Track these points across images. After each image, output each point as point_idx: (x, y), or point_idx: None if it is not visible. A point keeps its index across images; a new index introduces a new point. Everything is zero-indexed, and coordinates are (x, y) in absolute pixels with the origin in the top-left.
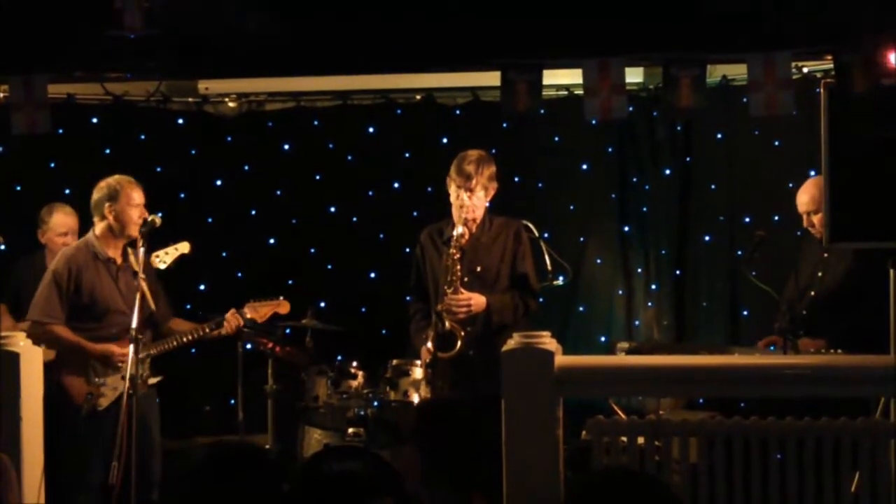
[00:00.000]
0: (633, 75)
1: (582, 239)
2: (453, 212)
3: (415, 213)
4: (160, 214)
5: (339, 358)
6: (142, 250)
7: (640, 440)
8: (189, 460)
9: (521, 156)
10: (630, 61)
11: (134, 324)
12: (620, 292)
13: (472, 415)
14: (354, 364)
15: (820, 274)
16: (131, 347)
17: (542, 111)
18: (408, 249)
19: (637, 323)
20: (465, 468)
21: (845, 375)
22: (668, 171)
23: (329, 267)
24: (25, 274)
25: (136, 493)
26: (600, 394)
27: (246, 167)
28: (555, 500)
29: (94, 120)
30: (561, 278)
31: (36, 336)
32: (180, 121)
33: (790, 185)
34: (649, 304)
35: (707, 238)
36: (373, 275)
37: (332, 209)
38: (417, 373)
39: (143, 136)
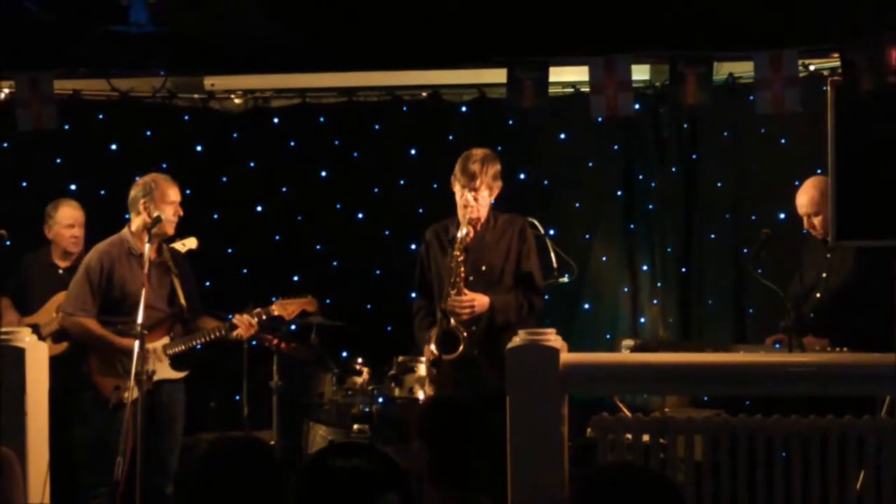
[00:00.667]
0: (640, 73)
1: (587, 236)
2: (458, 211)
3: (420, 210)
4: None
5: (345, 354)
6: (148, 246)
7: (645, 438)
8: (194, 455)
9: (526, 153)
10: (636, 59)
11: (139, 320)
12: (626, 290)
13: (477, 412)
14: (359, 361)
15: (824, 275)
16: (136, 343)
17: (548, 108)
18: (413, 246)
19: (642, 320)
20: (470, 465)
21: (851, 374)
22: (674, 169)
23: (334, 264)
24: (30, 269)
25: (141, 486)
26: (605, 391)
27: (252, 164)
28: (559, 497)
29: (101, 116)
30: (566, 276)
31: (67, 327)
32: (186, 117)
33: (796, 183)
34: (655, 301)
35: (713, 236)
36: (378, 272)
37: (338, 206)
38: (422, 370)
39: (148, 133)
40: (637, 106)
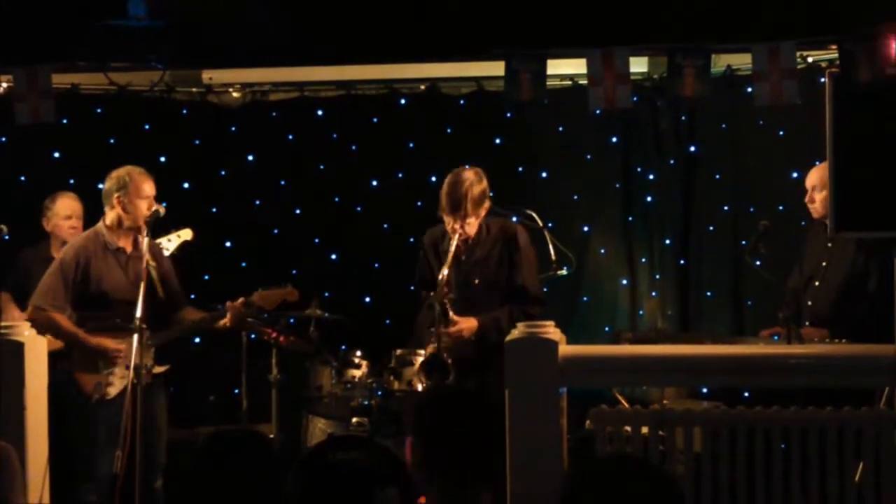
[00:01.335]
0: (638, 65)
1: (586, 229)
2: (448, 231)
3: (419, 203)
4: (164, 204)
5: (343, 347)
6: (146, 240)
7: (644, 430)
8: (191, 449)
9: (524, 145)
10: (634, 51)
11: (138, 313)
12: (624, 282)
13: (474, 405)
14: (358, 354)
15: (824, 264)
16: (135, 337)
17: (546, 101)
18: (412, 239)
19: (641, 312)
20: (468, 458)
21: (849, 365)
22: (672, 161)
23: (333, 257)
24: (30, 264)
25: (140, 481)
26: (604, 383)
27: (250, 157)
28: (558, 490)
29: (99, 110)
30: (565, 268)
31: (36, 322)
32: (184, 111)
33: (794, 174)
34: (653, 293)
35: (711, 228)
36: (377, 265)
37: (337, 199)
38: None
39: (147, 126)
40: (635, 98)
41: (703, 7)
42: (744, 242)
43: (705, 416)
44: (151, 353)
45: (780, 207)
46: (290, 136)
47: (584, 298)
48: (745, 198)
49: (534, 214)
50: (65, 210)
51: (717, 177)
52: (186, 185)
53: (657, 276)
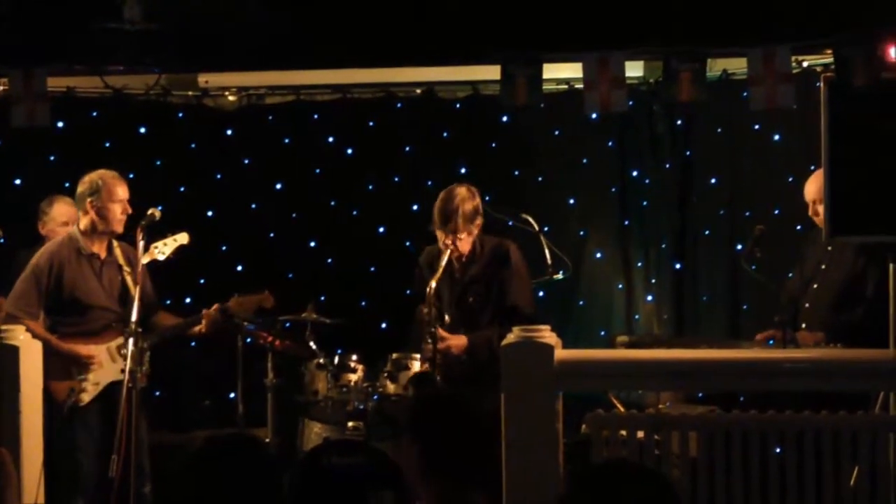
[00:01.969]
0: (633, 69)
1: (582, 233)
2: (441, 248)
3: (415, 207)
4: (160, 208)
5: (339, 352)
6: (141, 244)
7: (640, 434)
8: (187, 453)
9: (520, 150)
10: (630, 55)
11: (133, 317)
12: (620, 286)
13: (470, 408)
14: (354, 358)
15: (823, 267)
16: (131, 341)
17: (542, 105)
18: (408, 243)
19: (637, 317)
20: (463, 462)
21: (845, 369)
22: (668, 165)
23: (329, 261)
24: (25, 267)
25: (134, 485)
26: (600, 387)
27: (246, 161)
28: (554, 494)
29: (94, 113)
30: (561, 272)
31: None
32: (180, 114)
33: (790, 179)
34: (649, 297)
35: (707, 232)
36: (372, 268)
37: (332, 203)
38: (417, 367)
39: (142, 130)
40: (631, 102)
41: (699, 11)
42: (740, 247)
43: (701, 421)
44: (147, 358)
45: (776, 211)
46: (286, 140)
47: (580, 302)
48: (741, 202)
49: (530, 219)
50: (61, 216)
51: (713, 181)
52: (182, 189)
53: (653, 281)
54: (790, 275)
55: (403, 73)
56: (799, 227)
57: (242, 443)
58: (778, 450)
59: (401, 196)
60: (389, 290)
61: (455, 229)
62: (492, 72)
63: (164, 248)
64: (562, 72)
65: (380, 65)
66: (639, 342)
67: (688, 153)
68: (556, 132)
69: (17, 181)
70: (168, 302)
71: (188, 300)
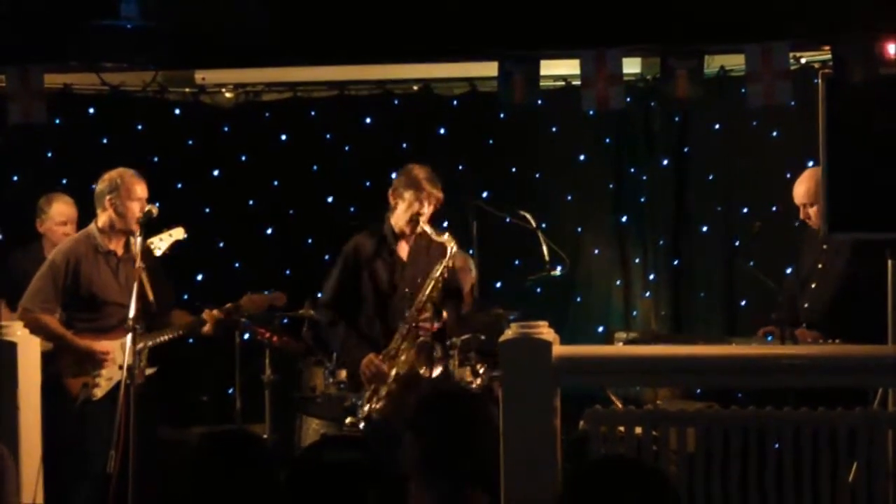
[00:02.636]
0: (631, 66)
1: (579, 229)
2: (404, 224)
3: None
4: (157, 205)
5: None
6: (138, 240)
7: (638, 430)
8: (185, 449)
9: (518, 146)
10: (627, 52)
11: (131, 314)
12: (618, 282)
13: (470, 405)
14: None
15: (820, 266)
16: (129, 337)
17: (540, 102)
18: None
19: (634, 313)
20: (464, 458)
21: (843, 365)
22: (665, 162)
23: (326, 257)
24: (22, 264)
25: (133, 482)
26: (598, 384)
27: (243, 157)
28: (552, 490)
29: (91, 110)
30: (558, 269)
31: (25, 322)
32: (177, 111)
33: (788, 175)
34: (647, 294)
35: (704, 228)
36: None
37: (329, 199)
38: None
39: (139, 127)
40: (628, 99)
41: (697, 8)
42: (737, 243)
43: (699, 417)
44: (145, 355)
45: (774, 208)
46: (283, 137)
47: (578, 299)
48: (739, 198)
49: (527, 215)
50: (60, 216)
51: (711, 177)
52: (179, 186)
53: (650, 277)
54: (788, 271)
55: (400, 69)
56: (797, 223)
57: (240, 439)
58: (776, 446)
59: None
60: None
61: (429, 198)
62: (489, 68)
63: (159, 244)
64: (559, 68)
65: (377, 61)
66: (636, 338)
67: (685, 150)
68: (554, 129)
69: (14, 178)
70: None
71: (185, 297)
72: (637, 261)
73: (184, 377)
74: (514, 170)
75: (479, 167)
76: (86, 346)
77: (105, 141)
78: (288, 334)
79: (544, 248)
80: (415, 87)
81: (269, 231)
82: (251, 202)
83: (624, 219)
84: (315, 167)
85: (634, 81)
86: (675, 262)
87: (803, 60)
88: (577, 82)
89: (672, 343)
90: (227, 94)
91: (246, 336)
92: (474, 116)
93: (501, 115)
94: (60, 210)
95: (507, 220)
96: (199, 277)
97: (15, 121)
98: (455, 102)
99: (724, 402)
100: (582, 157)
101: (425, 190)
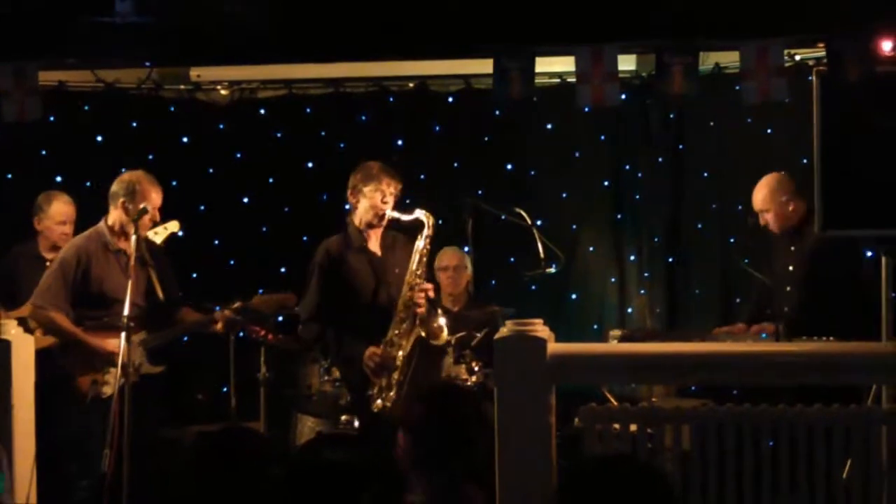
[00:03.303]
0: (626, 63)
1: (574, 226)
2: (371, 217)
3: (407, 201)
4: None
5: None
6: (134, 237)
7: (633, 427)
8: (181, 447)
9: (513, 143)
10: (623, 48)
11: (126, 311)
12: (613, 280)
13: (464, 400)
14: None
15: (791, 268)
16: (123, 335)
17: (535, 99)
18: None
19: (629, 310)
20: (457, 453)
21: (837, 363)
22: (660, 159)
23: None
24: (18, 262)
25: (128, 481)
26: (593, 381)
27: (238, 155)
28: (547, 487)
29: (86, 107)
30: (553, 266)
31: (36, 320)
32: (172, 108)
33: (782, 172)
34: (642, 291)
35: (699, 225)
36: None
37: (325, 197)
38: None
39: (134, 124)
40: (623, 96)
41: (692, 5)
42: (732, 240)
43: (694, 414)
44: (141, 352)
45: None
46: (279, 134)
47: (573, 296)
48: (734, 195)
49: (522, 212)
50: (59, 215)
51: (706, 174)
52: (174, 183)
53: (646, 274)
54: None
55: (396, 66)
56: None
57: (236, 437)
58: (771, 443)
59: None
60: None
61: (389, 187)
62: (484, 65)
63: (154, 238)
64: (554, 65)
65: (372, 58)
66: (632, 336)
67: (680, 147)
68: (549, 126)
69: (9, 175)
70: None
71: (180, 294)
72: (632, 258)
73: (179, 375)
74: (509, 167)
75: (475, 164)
76: (97, 344)
77: (100, 138)
78: (283, 332)
79: (539, 246)
80: (410, 85)
81: (264, 228)
82: (246, 199)
83: (619, 216)
84: (310, 164)
85: (630, 78)
86: (671, 260)
87: (798, 57)
88: (572, 79)
89: (667, 340)
90: (223, 92)
91: (241, 334)
92: (470, 114)
93: (497, 113)
94: (60, 210)
95: (503, 217)
96: (195, 275)
97: (9, 118)
98: (450, 100)
99: (720, 400)
100: (577, 155)
101: (384, 180)
